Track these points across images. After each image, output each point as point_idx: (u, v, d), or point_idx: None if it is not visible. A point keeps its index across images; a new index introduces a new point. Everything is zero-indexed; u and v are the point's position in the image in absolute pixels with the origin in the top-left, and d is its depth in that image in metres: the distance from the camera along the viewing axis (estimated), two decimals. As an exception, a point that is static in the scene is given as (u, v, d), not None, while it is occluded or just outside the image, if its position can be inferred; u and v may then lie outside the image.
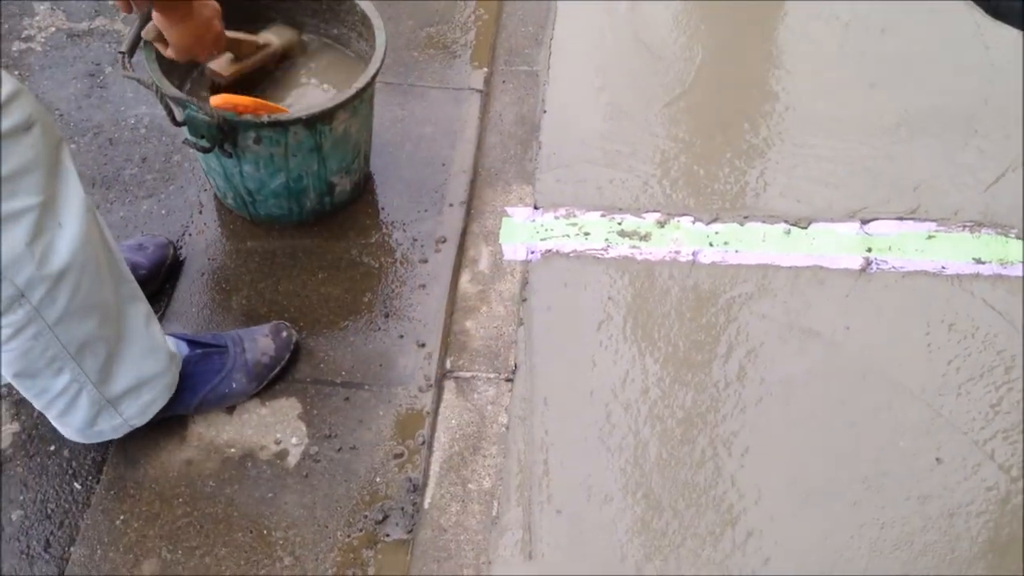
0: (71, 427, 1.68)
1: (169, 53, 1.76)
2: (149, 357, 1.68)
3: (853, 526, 1.69)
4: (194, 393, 1.82)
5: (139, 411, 1.73)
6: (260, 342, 1.91)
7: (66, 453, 1.85)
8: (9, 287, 1.38)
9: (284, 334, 1.95)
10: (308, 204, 2.13)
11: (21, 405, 1.88)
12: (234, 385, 1.86)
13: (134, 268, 2.01)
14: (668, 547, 1.66)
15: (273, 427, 1.89)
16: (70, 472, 1.82)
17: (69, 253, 1.42)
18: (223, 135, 1.87)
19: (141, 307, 1.66)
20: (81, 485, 1.81)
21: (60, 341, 1.49)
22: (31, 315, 1.43)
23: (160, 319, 2.01)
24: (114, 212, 2.22)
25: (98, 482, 1.80)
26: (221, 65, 2.00)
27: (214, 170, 2.06)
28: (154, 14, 1.67)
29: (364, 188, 2.29)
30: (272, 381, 1.92)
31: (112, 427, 1.71)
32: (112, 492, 1.78)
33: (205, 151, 1.89)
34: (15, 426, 1.87)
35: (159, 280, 2.08)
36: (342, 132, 2.00)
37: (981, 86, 2.45)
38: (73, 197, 1.45)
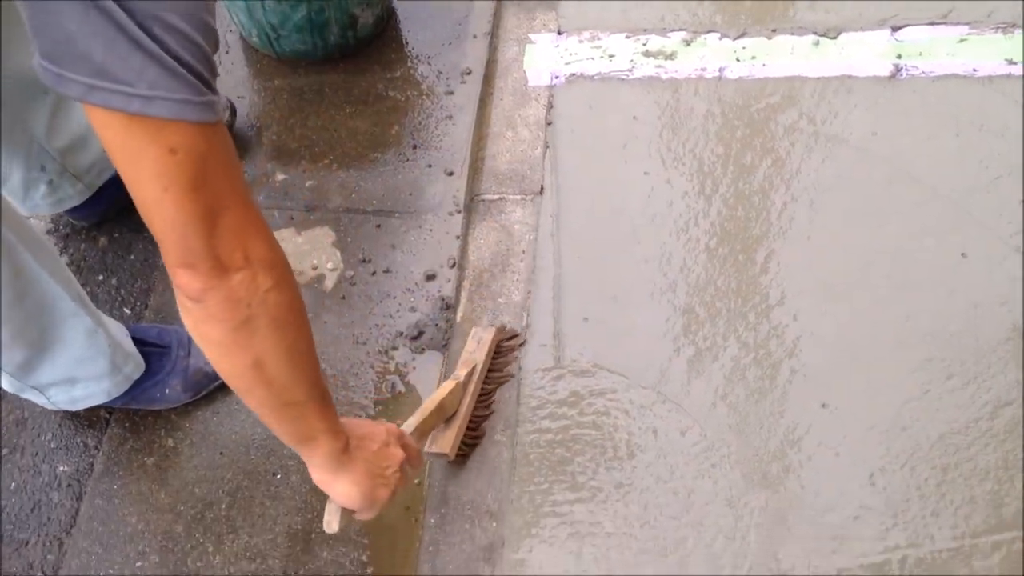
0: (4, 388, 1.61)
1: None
2: (86, 364, 1.58)
3: (878, 319, 1.71)
4: (121, 394, 1.70)
5: (69, 401, 1.65)
6: None
7: (114, 281, 1.94)
8: None
9: None
10: (331, 38, 2.14)
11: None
12: (167, 391, 1.73)
13: None
14: (693, 346, 1.71)
15: (309, 254, 1.96)
16: (119, 299, 1.92)
17: None
18: None
19: (82, 322, 1.54)
20: (130, 310, 1.90)
21: None
22: None
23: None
24: (144, 56, 2.26)
25: (146, 307, 1.89)
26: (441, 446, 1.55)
27: (237, 6, 2.07)
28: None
29: (387, 22, 2.28)
30: (213, 391, 1.78)
31: (41, 403, 1.65)
32: (160, 317, 1.88)
33: None
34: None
35: None
36: (360, -40, 1.99)
37: None
38: None
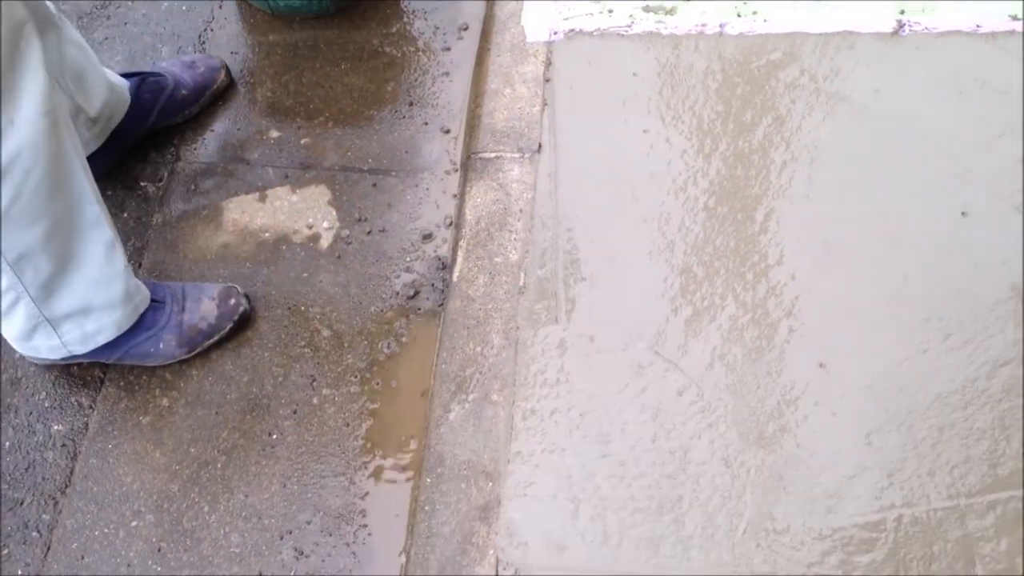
0: (10, 334, 1.63)
1: None
2: (102, 287, 1.59)
3: (876, 278, 1.70)
4: (113, 347, 1.70)
5: (80, 339, 1.64)
6: (203, 304, 1.76)
7: (108, 241, 1.92)
8: None
9: (232, 301, 1.78)
10: None
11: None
12: (161, 346, 1.72)
13: (177, 85, 1.99)
14: (691, 306, 1.70)
15: (304, 212, 1.94)
16: (113, 258, 1.89)
17: (14, 150, 1.34)
18: None
19: (104, 234, 1.56)
20: (125, 269, 1.88)
21: None
22: None
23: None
24: (136, 9, 2.23)
25: (140, 266, 1.88)
26: None
27: None
28: None
29: None
30: (208, 349, 1.78)
31: (49, 347, 1.65)
32: (154, 275, 1.86)
33: None
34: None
35: (200, 103, 2.05)
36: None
37: None
38: (29, 96, 1.35)
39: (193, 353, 1.75)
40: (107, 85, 1.83)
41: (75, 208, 1.50)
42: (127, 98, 1.91)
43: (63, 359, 1.70)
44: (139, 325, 1.69)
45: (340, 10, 2.19)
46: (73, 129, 1.48)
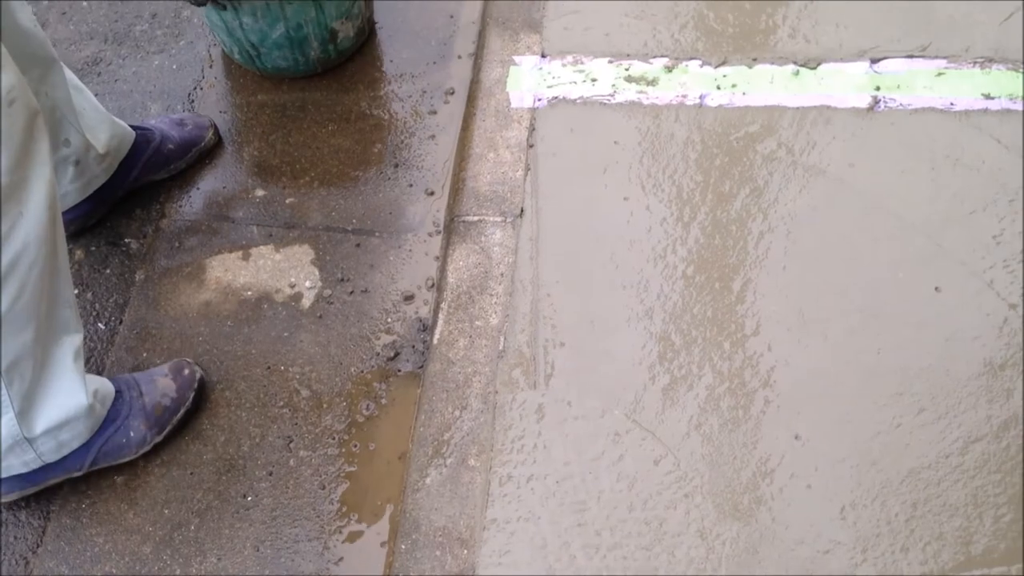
0: None
1: None
2: (73, 394, 1.54)
3: (851, 351, 1.72)
4: (87, 448, 1.64)
5: (55, 448, 1.58)
6: (159, 383, 1.72)
7: (89, 296, 1.92)
8: None
9: (186, 372, 1.76)
10: (312, 53, 2.14)
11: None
12: (132, 434, 1.67)
13: (163, 140, 2.01)
14: (669, 374, 1.72)
15: (287, 272, 1.95)
16: (94, 313, 1.90)
17: (22, 244, 1.33)
18: None
19: (75, 339, 1.53)
20: (104, 325, 1.88)
21: None
22: None
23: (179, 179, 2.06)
24: (126, 67, 2.25)
25: (120, 323, 1.88)
26: None
27: (217, 25, 2.07)
28: None
29: (369, 37, 2.28)
30: (178, 426, 1.74)
31: (23, 462, 1.57)
32: (135, 332, 1.87)
33: (199, 3, 1.89)
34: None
35: (186, 160, 2.07)
36: (337, -24, 1.98)
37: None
38: (38, 188, 1.35)
39: (163, 434, 1.71)
40: (109, 120, 1.87)
41: (54, 310, 1.47)
42: (131, 131, 1.94)
43: (30, 478, 1.62)
44: (104, 420, 1.65)
45: (327, 71, 2.23)
46: (63, 224, 1.46)
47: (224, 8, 1.93)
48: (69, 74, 1.74)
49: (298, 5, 1.98)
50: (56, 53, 1.68)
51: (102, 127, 1.85)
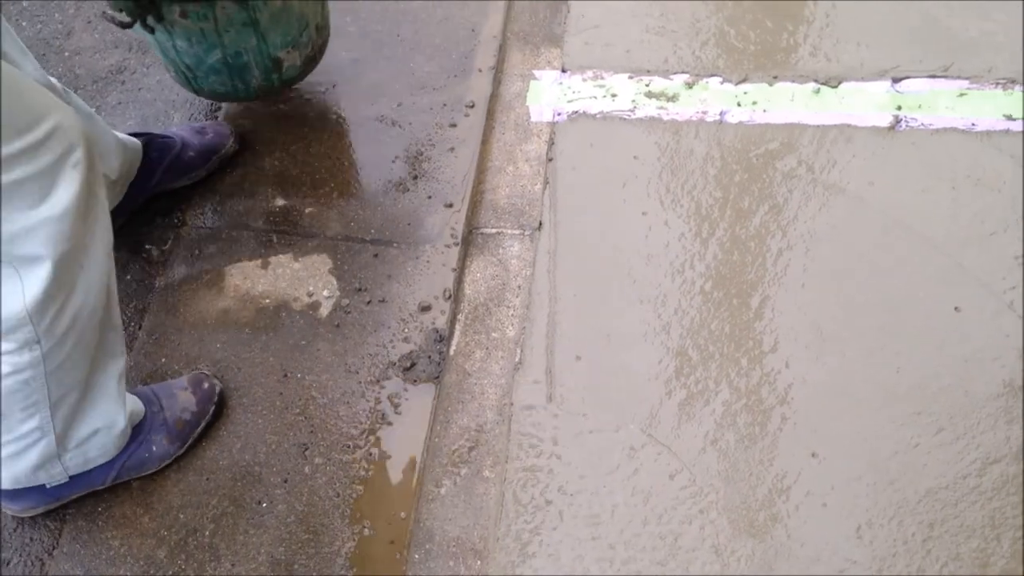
0: (10, 472, 1.53)
1: None
2: (110, 415, 1.57)
3: (869, 370, 1.72)
4: (111, 464, 1.65)
5: (81, 464, 1.60)
6: (180, 397, 1.73)
7: (110, 301, 1.93)
8: (29, 331, 1.32)
9: (205, 385, 1.77)
10: (253, 81, 2.03)
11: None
12: (154, 448, 1.68)
13: (184, 147, 2.02)
14: (685, 389, 1.71)
15: (305, 280, 1.96)
16: (114, 319, 1.90)
17: (82, 299, 1.36)
18: (143, 9, 1.76)
19: (120, 362, 1.55)
20: (124, 330, 1.89)
21: (48, 388, 1.41)
22: (36, 360, 1.36)
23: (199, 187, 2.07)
24: (150, 76, 2.29)
25: (139, 328, 1.89)
26: None
27: (151, 43, 1.96)
28: None
29: (318, 61, 2.17)
30: (198, 439, 1.75)
31: (50, 476, 1.58)
32: (153, 338, 1.88)
33: (125, 26, 1.78)
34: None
35: (207, 167, 2.08)
36: (280, 5, 1.88)
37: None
38: (101, 238, 1.38)
39: (185, 447, 1.72)
40: (120, 144, 1.87)
41: (104, 338, 1.49)
42: (139, 149, 1.95)
43: (52, 493, 1.63)
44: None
45: (270, 96, 2.18)
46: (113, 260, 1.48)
47: (151, 31, 1.84)
48: (79, 102, 1.76)
49: (236, 33, 1.88)
50: (62, 86, 1.69)
51: (113, 154, 1.85)
